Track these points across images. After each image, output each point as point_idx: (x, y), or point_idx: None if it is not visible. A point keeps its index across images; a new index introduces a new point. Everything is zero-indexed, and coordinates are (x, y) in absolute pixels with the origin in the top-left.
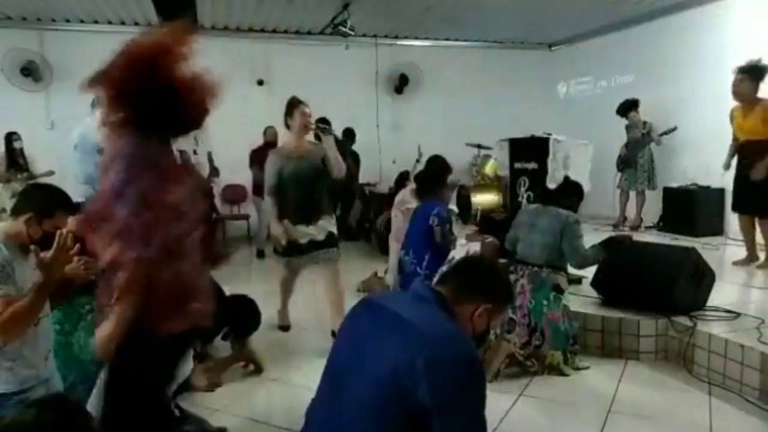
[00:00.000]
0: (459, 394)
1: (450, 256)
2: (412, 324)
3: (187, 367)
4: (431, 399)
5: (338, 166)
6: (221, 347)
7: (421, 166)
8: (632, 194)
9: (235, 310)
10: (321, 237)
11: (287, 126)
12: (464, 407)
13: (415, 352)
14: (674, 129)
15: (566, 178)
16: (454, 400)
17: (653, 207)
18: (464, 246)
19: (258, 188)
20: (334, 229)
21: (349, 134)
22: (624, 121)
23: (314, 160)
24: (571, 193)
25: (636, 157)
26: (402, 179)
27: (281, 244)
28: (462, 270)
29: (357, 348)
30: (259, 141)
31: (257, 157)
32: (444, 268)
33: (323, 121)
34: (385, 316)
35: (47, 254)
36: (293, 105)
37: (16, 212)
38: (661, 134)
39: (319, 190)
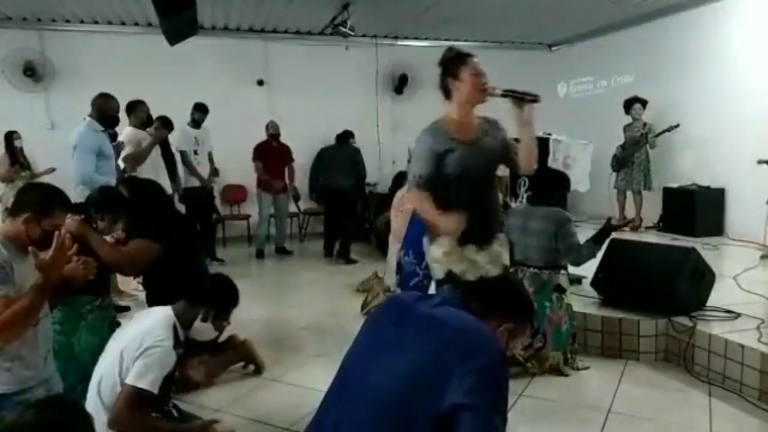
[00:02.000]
0: (489, 387)
1: None
2: (444, 322)
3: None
4: (462, 391)
5: (531, 157)
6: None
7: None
8: (629, 194)
9: (211, 289)
10: (496, 273)
11: (446, 93)
12: (493, 400)
13: (448, 347)
14: (677, 126)
15: (547, 170)
16: (485, 391)
17: (653, 207)
18: None
19: (261, 181)
20: (507, 258)
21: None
22: (624, 120)
23: (491, 147)
24: (556, 188)
25: (633, 156)
26: (400, 179)
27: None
28: (488, 287)
29: (382, 347)
30: (260, 139)
31: (260, 152)
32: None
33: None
34: (414, 316)
35: (46, 255)
36: (457, 60)
37: (13, 212)
38: (662, 132)
39: (494, 194)
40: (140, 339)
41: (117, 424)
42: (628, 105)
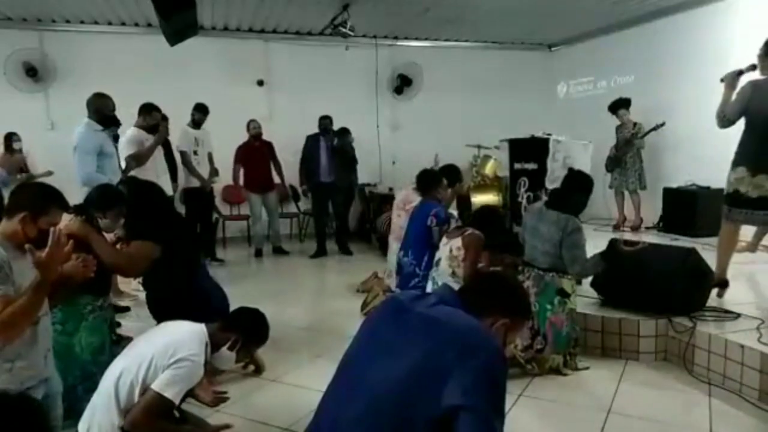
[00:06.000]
0: (488, 387)
1: (436, 257)
2: (441, 322)
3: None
4: (460, 391)
5: None
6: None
7: None
8: (627, 194)
9: (246, 321)
10: None
11: None
12: (491, 398)
13: (446, 347)
14: (662, 124)
15: (570, 170)
16: (484, 392)
17: (653, 207)
18: (446, 244)
19: (246, 182)
20: None
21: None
22: (616, 121)
23: None
24: (576, 190)
25: (626, 156)
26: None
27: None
28: (483, 283)
29: (379, 347)
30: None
31: (242, 153)
32: (433, 271)
33: None
34: (412, 316)
35: (43, 252)
36: None
37: (10, 212)
38: (648, 132)
39: None
40: (173, 348)
41: (134, 427)
42: (614, 109)
